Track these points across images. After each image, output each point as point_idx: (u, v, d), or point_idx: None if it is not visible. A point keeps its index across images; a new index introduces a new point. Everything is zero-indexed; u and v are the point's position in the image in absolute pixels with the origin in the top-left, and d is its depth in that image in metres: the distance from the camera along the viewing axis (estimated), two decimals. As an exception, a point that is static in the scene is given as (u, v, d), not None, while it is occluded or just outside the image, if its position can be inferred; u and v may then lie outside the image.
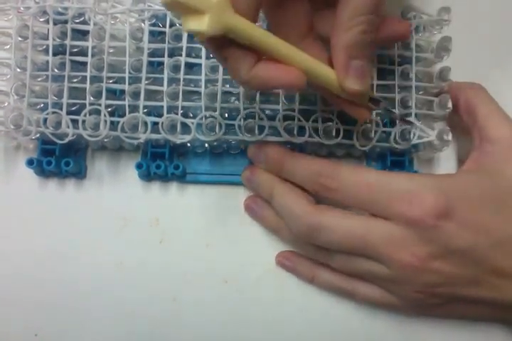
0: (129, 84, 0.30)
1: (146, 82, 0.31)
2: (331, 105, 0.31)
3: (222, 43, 0.23)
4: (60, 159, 0.32)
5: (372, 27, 0.26)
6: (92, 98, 0.30)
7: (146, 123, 0.30)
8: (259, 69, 0.23)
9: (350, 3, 0.25)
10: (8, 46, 0.32)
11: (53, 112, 0.30)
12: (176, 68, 0.31)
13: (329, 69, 0.26)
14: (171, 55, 0.31)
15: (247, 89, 0.31)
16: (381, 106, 0.29)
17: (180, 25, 0.31)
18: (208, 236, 0.33)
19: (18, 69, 0.31)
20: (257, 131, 0.30)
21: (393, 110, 0.31)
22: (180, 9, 0.21)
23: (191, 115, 0.32)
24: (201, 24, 0.21)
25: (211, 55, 0.30)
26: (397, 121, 0.31)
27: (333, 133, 0.31)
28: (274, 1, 0.25)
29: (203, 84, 0.30)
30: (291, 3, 0.26)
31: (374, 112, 0.31)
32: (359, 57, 0.26)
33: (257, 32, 0.23)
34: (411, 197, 0.27)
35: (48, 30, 0.31)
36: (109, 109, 0.31)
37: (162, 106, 0.30)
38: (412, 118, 0.31)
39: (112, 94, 0.31)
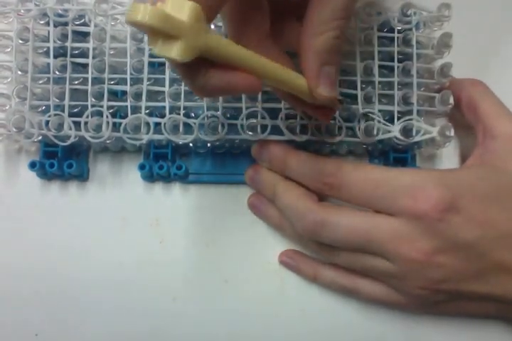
0: (131, 85, 0.30)
1: (148, 82, 0.31)
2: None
3: None
4: (62, 161, 0.32)
5: (344, 32, 0.25)
6: (93, 100, 0.30)
7: (148, 124, 0.30)
8: (213, 76, 0.22)
9: (324, 7, 0.24)
10: (8, 49, 0.32)
11: (55, 114, 0.30)
12: (177, 69, 0.31)
13: (299, 76, 0.25)
14: (172, 56, 0.31)
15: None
16: (344, 105, 0.29)
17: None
18: (208, 236, 0.33)
19: (20, 72, 0.31)
20: (259, 130, 0.30)
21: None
22: (148, 31, 0.19)
23: (193, 115, 0.32)
24: (173, 50, 0.19)
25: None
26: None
27: (336, 131, 0.31)
28: (234, 6, 0.25)
29: (204, 84, 0.30)
30: (251, 9, 0.25)
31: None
32: (331, 62, 0.25)
33: (230, 49, 0.22)
34: (416, 192, 0.27)
35: (49, 32, 0.31)
36: (111, 111, 0.31)
37: (164, 107, 0.30)
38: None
39: (114, 95, 0.32)
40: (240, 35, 0.25)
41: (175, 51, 0.19)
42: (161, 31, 0.19)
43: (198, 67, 0.22)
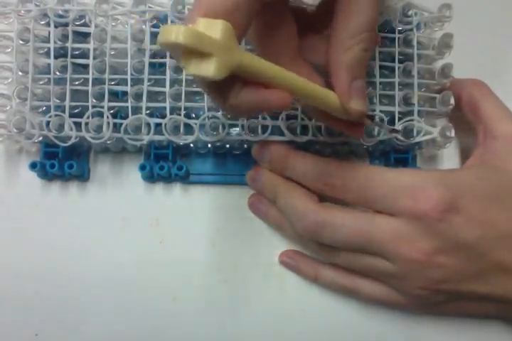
0: (131, 85, 0.30)
1: (148, 83, 0.31)
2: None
3: None
4: (63, 162, 0.32)
5: (372, 44, 0.25)
6: (94, 100, 0.30)
7: (149, 125, 0.30)
8: (246, 93, 0.22)
9: (350, 21, 0.25)
10: (9, 49, 0.32)
11: (56, 115, 0.30)
12: (177, 69, 0.31)
13: (330, 92, 0.25)
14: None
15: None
16: (375, 121, 0.29)
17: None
18: (209, 236, 0.33)
19: (20, 73, 0.31)
20: (260, 131, 0.30)
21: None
22: (180, 50, 0.19)
23: (194, 116, 0.32)
24: (207, 68, 0.19)
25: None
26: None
27: (336, 132, 0.31)
28: (263, 25, 0.25)
29: (205, 84, 0.30)
30: (280, 26, 0.25)
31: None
32: (360, 76, 0.25)
33: (263, 65, 0.21)
34: (416, 193, 0.27)
35: (49, 32, 0.31)
36: (112, 111, 0.31)
37: (165, 108, 0.30)
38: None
39: (114, 96, 0.31)
40: (271, 55, 0.25)
41: (209, 69, 0.19)
42: (195, 50, 0.19)
43: (231, 86, 0.21)
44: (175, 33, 0.18)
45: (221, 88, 0.21)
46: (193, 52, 0.19)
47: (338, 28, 0.25)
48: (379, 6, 0.25)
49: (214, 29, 0.19)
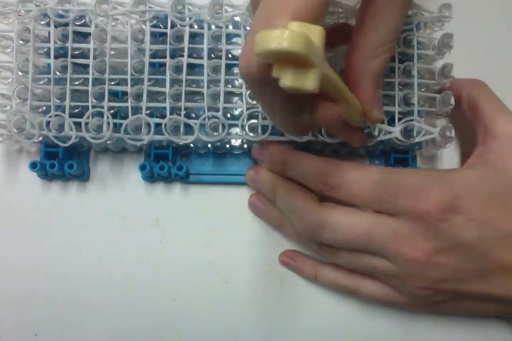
0: (131, 85, 0.30)
1: (148, 83, 0.31)
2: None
3: None
4: (63, 162, 0.32)
5: (393, 53, 0.25)
6: (94, 100, 0.30)
7: (149, 125, 0.30)
8: (323, 108, 0.21)
9: (378, 29, 0.24)
10: (9, 49, 0.32)
11: (56, 115, 0.30)
12: (177, 69, 0.31)
13: (355, 99, 0.25)
14: (172, 56, 0.31)
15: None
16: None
17: (181, 26, 0.31)
18: (208, 236, 0.33)
19: (20, 73, 0.31)
20: (260, 131, 0.30)
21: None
22: (278, 60, 0.17)
23: (194, 116, 0.32)
24: (307, 80, 0.17)
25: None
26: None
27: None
28: None
29: (205, 84, 0.30)
30: None
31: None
32: (381, 84, 0.26)
33: (337, 78, 0.20)
34: (416, 192, 0.27)
35: (49, 32, 0.31)
36: (112, 111, 0.31)
37: (165, 108, 0.30)
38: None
39: (114, 96, 0.31)
40: None
41: (309, 81, 0.17)
42: (297, 59, 0.16)
43: (309, 100, 0.20)
44: (278, 39, 0.16)
45: (299, 101, 0.20)
46: (289, 60, 0.16)
47: (364, 37, 0.25)
48: (406, 15, 0.25)
49: (312, 36, 0.17)
